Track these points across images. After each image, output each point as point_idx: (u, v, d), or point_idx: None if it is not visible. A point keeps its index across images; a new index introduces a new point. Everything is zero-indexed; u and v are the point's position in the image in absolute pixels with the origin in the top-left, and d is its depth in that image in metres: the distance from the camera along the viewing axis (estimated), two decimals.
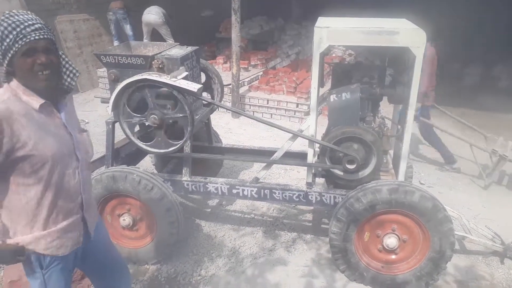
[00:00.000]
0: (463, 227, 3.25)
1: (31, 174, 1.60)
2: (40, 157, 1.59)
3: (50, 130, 1.66)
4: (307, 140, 2.96)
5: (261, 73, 7.45)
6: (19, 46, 1.52)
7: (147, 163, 4.28)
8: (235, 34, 6.01)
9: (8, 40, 1.51)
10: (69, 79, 1.77)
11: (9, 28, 1.51)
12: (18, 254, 1.63)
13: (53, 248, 1.71)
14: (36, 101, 1.61)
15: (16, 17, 1.54)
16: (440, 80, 7.96)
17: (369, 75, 3.04)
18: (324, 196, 3.00)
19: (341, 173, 2.96)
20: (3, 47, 1.52)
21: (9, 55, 1.52)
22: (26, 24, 1.53)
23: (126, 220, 3.03)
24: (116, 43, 7.71)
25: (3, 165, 1.56)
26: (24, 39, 1.51)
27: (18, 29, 1.51)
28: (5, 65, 1.55)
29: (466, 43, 9.17)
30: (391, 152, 3.47)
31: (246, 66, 7.63)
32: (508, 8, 8.81)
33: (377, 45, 2.62)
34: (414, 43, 2.53)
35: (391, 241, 2.74)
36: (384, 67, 3.16)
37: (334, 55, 8.35)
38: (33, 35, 1.53)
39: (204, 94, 3.51)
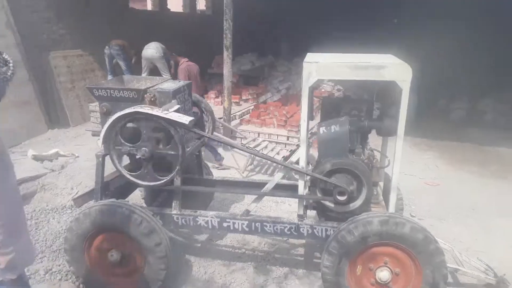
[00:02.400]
0: (455, 259, 3.22)
1: None
2: None
3: None
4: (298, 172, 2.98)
5: (252, 107, 7.55)
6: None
7: (136, 197, 4.23)
8: (227, 70, 6.14)
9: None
10: None
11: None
12: None
13: None
14: None
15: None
16: (427, 114, 8.21)
17: (358, 108, 3.11)
18: (315, 228, 2.97)
19: (332, 205, 2.96)
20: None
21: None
22: None
23: (114, 255, 2.96)
24: (109, 77, 7.80)
25: None
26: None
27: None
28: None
29: (451, 78, 9.47)
30: (381, 184, 3.49)
31: (238, 101, 7.74)
32: (492, 41, 9.20)
33: (364, 79, 2.70)
34: (400, 77, 2.61)
35: (383, 274, 2.70)
36: (372, 100, 3.24)
37: (323, 90, 8.53)
38: None
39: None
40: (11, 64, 1.82)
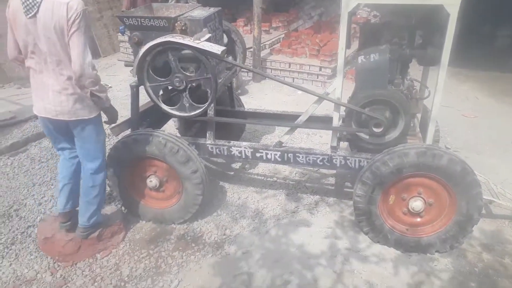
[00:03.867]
0: (490, 191, 3.20)
1: None
2: None
3: None
4: (332, 104, 2.92)
5: (283, 35, 7.27)
6: None
7: (170, 128, 4.32)
8: None
9: None
10: None
11: None
12: None
13: None
14: None
15: None
16: (469, 41, 7.67)
17: (399, 35, 2.93)
18: (349, 159, 2.98)
19: (367, 137, 2.93)
20: None
21: None
22: None
23: (153, 181, 3.11)
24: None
25: None
26: None
27: None
28: None
29: (498, 2, 8.67)
30: (418, 115, 3.39)
31: (267, 29, 7.46)
32: None
33: (410, 3, 2.50)
34: (448, 1, 2.40)
35: (416, 204, 2.73)
36: (414, 27, 3.03)
37: (358, 16, 8.06)
38: None
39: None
40: None
